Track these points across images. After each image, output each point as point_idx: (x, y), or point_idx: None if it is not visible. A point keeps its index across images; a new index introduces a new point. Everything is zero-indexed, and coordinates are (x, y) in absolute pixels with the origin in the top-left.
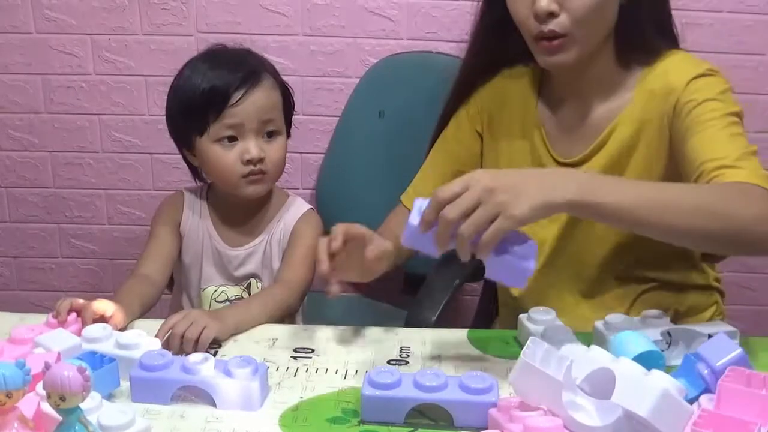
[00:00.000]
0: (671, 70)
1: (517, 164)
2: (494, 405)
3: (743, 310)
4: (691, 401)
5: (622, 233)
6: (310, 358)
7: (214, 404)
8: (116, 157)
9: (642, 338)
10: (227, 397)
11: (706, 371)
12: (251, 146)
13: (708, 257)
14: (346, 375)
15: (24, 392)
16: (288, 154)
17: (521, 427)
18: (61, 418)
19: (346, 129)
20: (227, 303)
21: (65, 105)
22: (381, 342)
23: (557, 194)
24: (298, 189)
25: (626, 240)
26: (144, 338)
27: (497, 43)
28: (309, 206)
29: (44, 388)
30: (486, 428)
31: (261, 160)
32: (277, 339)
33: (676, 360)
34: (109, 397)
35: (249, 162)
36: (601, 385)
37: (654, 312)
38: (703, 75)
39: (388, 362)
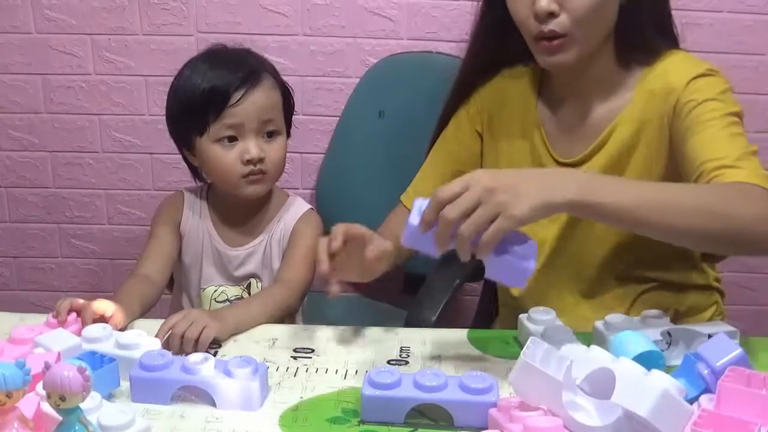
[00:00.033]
0: (671, 70)
1: (517, 164)
2: (494, 405)
3: (743, 310)
4: (691, 401)
5: (622, 233)
6: (310, 358)
7: (214, 404)
8: (116, 157)
9: (642, 338)
10: (227, 397)
11: (706, 371)
12: (251, 146)
13: (708, 257)
14: (346, 375)
15: (24, 392)
16: (288, 154)
17: (521, 427)
18: (61, 418)
19: (346, 129)
20: (227, 303)
21: (65, 105)
22: (381, 342)
23: (557, 194)
24: (298, 189)
25: (626, 240)
26: (144, 338)
27: (497, 43)
28: (309, 206)
29: (44, 388)
30: (486, 428)
31: (261, 160)
32: (277, 339)
33: (676, 360)
34: (109, 397)
35: (249, 162)
36: (601, 385)
37: (654, 312)
38: (703, 75)
39: (388, 362)
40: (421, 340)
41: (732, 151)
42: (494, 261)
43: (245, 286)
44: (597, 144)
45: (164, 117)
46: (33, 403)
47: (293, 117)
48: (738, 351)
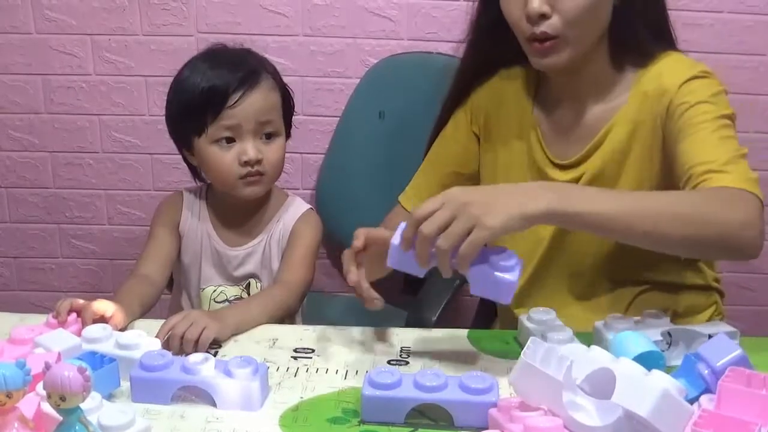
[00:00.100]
0: (665, 72)
1: (515, 165)
2: (494, 405)
3: (743, 310)
4: (692, 401)
5: None
6: (311, 358)
7: (214, 404)
8: (116, 158)
9: (642, 338)
10: (227, 397)
11: (706, 371)
12: (249, 147)
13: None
14: (346, 375)
15: (24, 392)
16: (288, 155)
17: (521, 427)
18: (61, 418)
19: (346, 129)
20: (226, 303)
21: (65, 105)
22: (381, 342)
23: (534, 204)
24: (298, 189)
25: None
26: (144, 338)
27: (493, 44)
28: (308, 206)
29: (44, 389)
30: (486, 428)
31: (258, 162)
32: (277, 339)
33: (676, 360)
34: (110, 397)
35: (246, 163)
36: (601, 385)
37: (654, 312)
38: (696, 77)
39: (389, 362)
40: (421, 340)
41: (720, 155)
42: (476, 276)
43: (244, 286)
44: (592, 145)
45: (164, 117)
46: (33, 403)
47: (293, 117)
48: (738, 351)
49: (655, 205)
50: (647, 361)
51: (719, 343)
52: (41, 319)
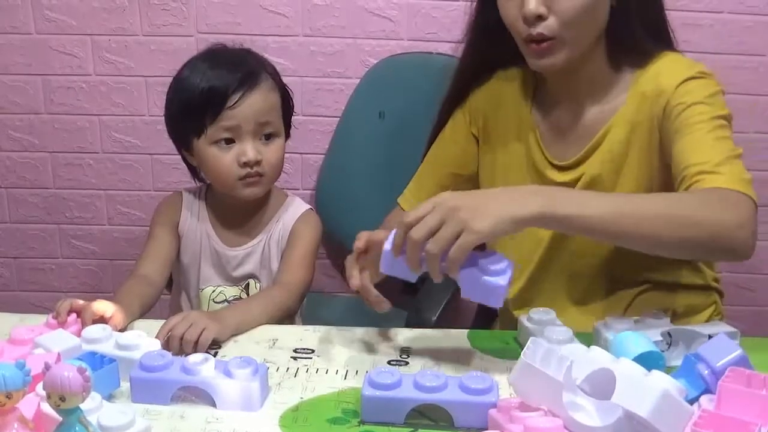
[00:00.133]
0: (663, 73)
1: (514, 167)
2: (494, 405)
3: (743, 310)
4: (692, 402)
5: None
6: (311, 358)
7: (214, 405)
8: (116, 158)
9: (642, 339)
10: (227, 398)
11: (706, 372)
12: (248, 148)
13: None
14: (346, 375)
15: (24, 393)
16: (288, 155)
17: (521, 427)
18: (61, 419)
19: (346, 130)
20: (225, 303)
21: (65, 105)
22: (381, 342)
23: (523, 208)
24: (298, 189)
25: None
26: (144, 339)
27: (491, 44)
28: (308, 206)
29: (44, 389)
30: (486, 429)
31: (258, 163)
32: (277, 339)
33: (676, 360)
34: (109, 397)
35: (246, 164)
36: (601, 386)
37: (654, 313)
38: (693, 77)
39: (389, 363)
40: (421, 340)
41: (714, 156)
42: (466, 280)
43: (243, 286)
44: (591, 146)
45: (163, 117)
46: (33, 403)
47: (293, 118)
48: (738, 351)
49: (646, 207)
50: (647, 361)
51: (719, 344)
52: (41, 319)
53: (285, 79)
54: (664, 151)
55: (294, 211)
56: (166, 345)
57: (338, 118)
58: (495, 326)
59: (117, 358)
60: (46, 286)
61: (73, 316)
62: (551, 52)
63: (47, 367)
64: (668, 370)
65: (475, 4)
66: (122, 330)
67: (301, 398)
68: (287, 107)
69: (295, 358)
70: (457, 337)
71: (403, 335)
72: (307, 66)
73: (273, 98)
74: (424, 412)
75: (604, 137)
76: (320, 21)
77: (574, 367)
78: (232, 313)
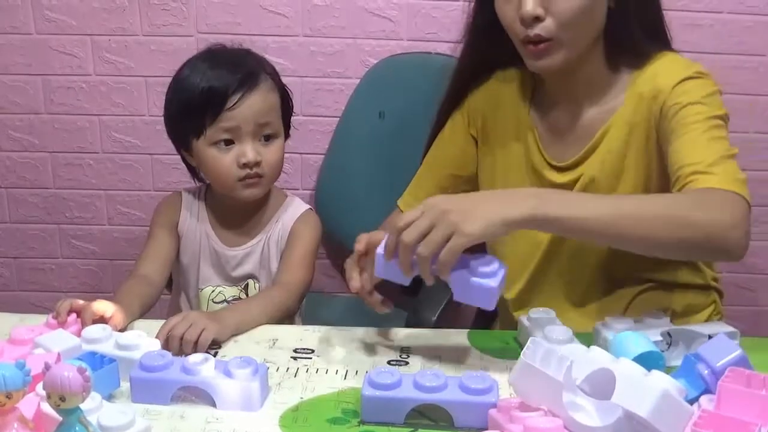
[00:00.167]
0: (660, 73)
1: (513, 168)
2: (494, 405)
3: (742, 310)
4: (692, 402)
5: None
6: (310, 358)
7: (214, 405)
8: (116, 158)
9: (642, 339)
10: (227, 398)
11: (706, 372)
12: (248, 150)
13: None
14: (346, 375)
15: (24, 393)
16: (288, 155)
17: (521, 427)
18: (61, 419)
19: (346, 130)
20: (224, 304)
21: (65, 106)
22: (381, 342)
23: (514, 210)
24: (298, 189)
25: None
26: (144, 339)
27: (489, 45)
28: (307, 206)
29: (44, 389)
30: (486, 429)
31: (257, 164)
32: (277, 339)
33: (676, 360)
34: (109, 397)
35: (245, 165)
36: (601, 386)
37: (654, 313)
38: (690, 78)
39: (388, 363)
40: (421, 340)
41: (708, 156)
42: (457, 282)
43: (243, 286)
44: (590, 147)
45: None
46: (33, 403)
47: (293, 118)
48: (738, 352)
49: (638, 208)
50: (647, 361)
51: (719, 344)
52: (41, 319)
53: (285, 80)
54: (662, 152)
55: (293, 211)
56: (166, 345)
57: (338, 118)
58: (495, 326)
59: (117, 358)
60: (46, 286)
61: (73, 316)
62: (549, 53)
63: (47, 367)
64: (668, 370)
65: (472, 4)
66: (122, 330)
67: (301, 398)
68: (287, 107)
69: (295, 358)
70: (457, 337)
71: (403, 335)
72: (307, 66)
73: (272, 99)
74: (424, 412)
75: (602, 138)
76: (320, 21)
77: (574, 367)
78: (231, 313)
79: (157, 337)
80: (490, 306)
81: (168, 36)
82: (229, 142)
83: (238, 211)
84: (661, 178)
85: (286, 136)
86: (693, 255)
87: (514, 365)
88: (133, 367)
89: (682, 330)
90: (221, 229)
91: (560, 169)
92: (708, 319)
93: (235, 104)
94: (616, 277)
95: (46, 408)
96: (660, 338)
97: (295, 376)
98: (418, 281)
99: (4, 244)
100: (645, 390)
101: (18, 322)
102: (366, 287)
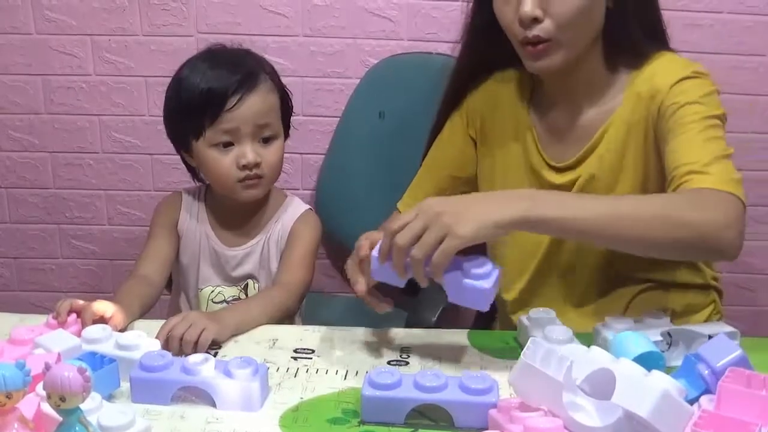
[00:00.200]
0: (658, 73)
1: (512, 169)
2: (494, 406)
3: (742, 311)
4: (692, 402)
5: None
6: (311, 358)
7: (214, 405)
8: (116, 158)
9: (642, 339)
10: (227, 398)
11: (706, 372)
12: (247, 151)
13: None
14: (346, 376)
15: (24, 393)
16: (288, 155)
17: (521, 427)
18: (61, 419)
19: (346, 130)
20: (224, 304)
21: (65, 106)
22: (381, 343)
23: (506, 212)
24: (298, 189)
25: None
26: (144, 339)
27: (488, 45)
28: (307, 206)
29: (44, 389)
30: (486, 429)
31: (257, 165)
32: (277, 340)
33: (676, 361)
34: (110, 397)
35: (245, 167)
36: (601, 386)
37: (654, 313)
38: (688, 77)
39: (389, 363)
40: (421, 340)
41: (703, 156)
42: (451, 284)
43: (242, 286)
44: (588, 147)
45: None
46: (33, 403)
47: (293, 118)
48: (738, 352)
49: (632, 208)
50: (647, 361)
51: (719, 344)
52: (41, 319)
53: (285, 80)
54: (660, 151)
55: (293, 211)
56: (166, 345)
57: (338, 118)
58: (495, 326)
59: (117, 358)
60: (46, 286)
61: (73, 316)
62: (548, 54)
63: (47, 367)
64: (668, 370)
65: (471, 5)
66: (122, 330)
67: (301, 398)
68: (286, 108)
69: (295, 358)
70: (457, 337)
71: (403, 335)
72: (307, 66)
73: (272, 100)
74: (424, 412)
75: (601, 138)
76: (320, 21)
77: (574, 367)
78: (231, 313)
79: (157, 337)
80: (484, 307)
81: (168, 36)
82: (228, 144)
83: (237, 212)
84: (660, 177)
85: (286, 136)
86: (688, 255)
87: (514, 365)
88: (133, 367)
89: (683, 330)
90: (221, 229)
91: (559, 170)
92: (708, 319)
93: (234, 105)
94: (615, 277)
95: (46, 408)
96: (660, 338)
97: (295, 376)
98: (416, 282)
99: (4, 244)
100: (645, 390)
101: (18, 322)
102: (371, 290)
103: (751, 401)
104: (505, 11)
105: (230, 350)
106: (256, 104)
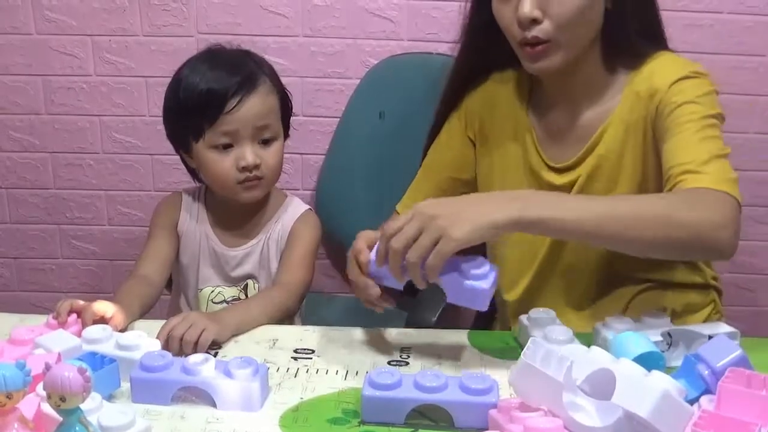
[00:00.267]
0: (657, 72)
1: (511, 170)
2: (494, 406)
3: (742, 311)
4: (692, 402)
5: None
6: (311, 358)
7: (214, 405)
8: (117, 158)
9: (642, 339)
10: (227, 398)
11: (706, 372)
12: (247, 153)
13: None
14: (346, 376)
15: (24, 393)
16: (288, 155)
17: (521, 428)
18: (61, 419)
19: (346, 130)
20: (224, 304)
21: (66, 106)
22: (381, 343)
23: (501, 213)
24: (298, 190)
25: None
26: (144, 339)
27: (486, 45)
28: (307, 206)
29: (44, 389)
30: (486, 429)
31: (257, 167)
32: (277, 340)
33: (676, 361)
34: (110, 397)
35: (245, 169)
36: (601, 386)
37: (654, 312)
38: (687, 77)
39: (389, 363)
40: (421, 340)
41: (699, 155)
42: (449, 285)
43: (242, 287)
44: (588, 148)
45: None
46: (33, 403)
47: (294, 118)
48: (738, 352)
49: (627, 208)
50: (647, 361)
51: (719, 344)
52: (41, 319)
53: (285, 80)
54: (658, 151)
55: (293, 211)
56: (166, 345)
57: (338, 119)
58: (495, 326)
59: (117, 358)
60: (47, 286)
61: (74, 316)
62: (546, 55)
63: (47, 367)
64: (668, 370)
65: (469, 5)
66: (122, 330)
67: (301, 398)
68: (286, 109)
69: (295, 359)
70: (457, 337)
71: (403, 335)
72: (307, 66)
73: (271, 101)
74: (424, 413)
75: (600, 138)
76: (320, 21)
77: (574, 367)
78: (231, 313)
79: (157, 337)
80: (482, 307)
81: (168, 36)
82: (227, 146)
83: (237, 212)
84: (658, 177)
85: (286, 137)
86: (684, 255)
87: (514, 365)
88: (133, 368)
89: (683, 330)
90: (221, 230)
91: (558, 170)
92: (707, 319)
93: (234, 108)
94: (615, 277)
95: (47, 408)
96: (660, 338)
97: (296, 376)
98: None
99: (5, 244)
100: (645, 390)
101: (18, 323)
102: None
103: (751, 401)
104: (504, 12)
105: (230, 350)
106: (255, 106)
